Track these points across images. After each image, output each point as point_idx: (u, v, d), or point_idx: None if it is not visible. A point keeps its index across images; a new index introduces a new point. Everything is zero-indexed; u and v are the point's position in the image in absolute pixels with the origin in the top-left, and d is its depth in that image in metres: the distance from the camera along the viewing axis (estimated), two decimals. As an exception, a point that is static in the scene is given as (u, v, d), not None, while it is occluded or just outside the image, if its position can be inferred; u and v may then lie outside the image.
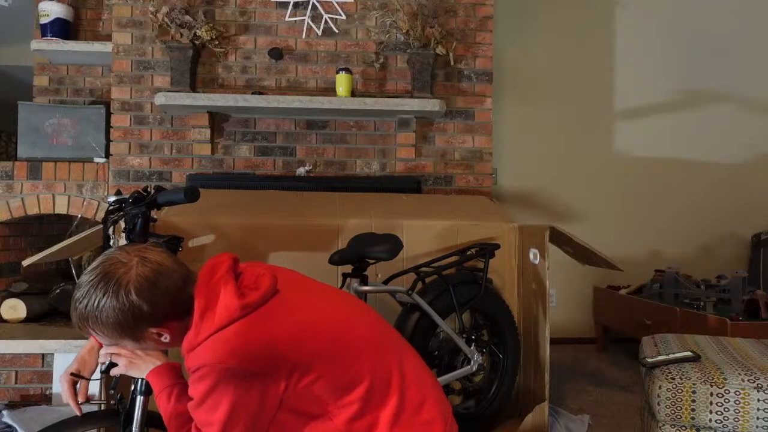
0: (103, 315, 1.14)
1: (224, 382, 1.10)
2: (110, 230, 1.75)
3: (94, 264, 1.18)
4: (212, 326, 1.14)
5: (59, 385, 1.47)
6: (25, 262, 2.37)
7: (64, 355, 2.67)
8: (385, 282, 2.27)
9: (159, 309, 1.16)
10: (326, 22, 3.17)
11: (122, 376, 1.49)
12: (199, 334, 1.15)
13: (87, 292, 1.14)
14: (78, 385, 1.42)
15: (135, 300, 1.13)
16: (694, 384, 1.68)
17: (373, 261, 2.06)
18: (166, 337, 1.21)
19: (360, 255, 2.03)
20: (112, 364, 1.47)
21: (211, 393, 1.11)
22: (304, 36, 3.18)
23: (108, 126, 3.15)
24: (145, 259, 1.17)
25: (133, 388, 1.51)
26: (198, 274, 1.24)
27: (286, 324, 1.17)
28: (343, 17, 3.18)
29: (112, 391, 1.53)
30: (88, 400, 1.44)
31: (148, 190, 1.74)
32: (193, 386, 1.13)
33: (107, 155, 3.15)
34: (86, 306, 1.14)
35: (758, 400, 1.63)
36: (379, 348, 1.25)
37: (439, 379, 2.17)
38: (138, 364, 1.33)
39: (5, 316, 3.00)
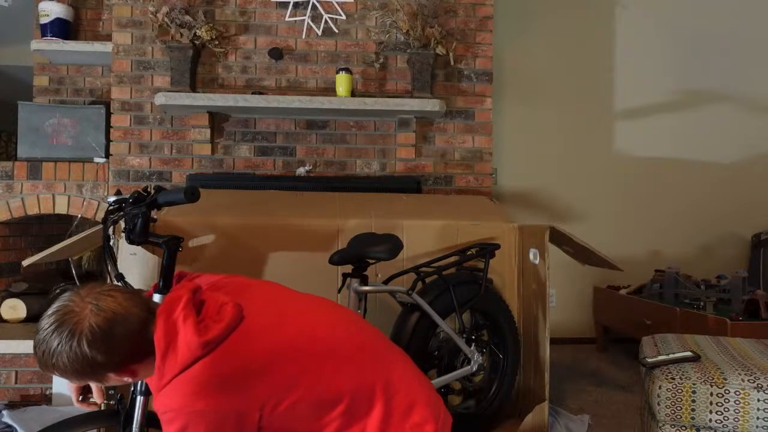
0: (60, 363, 1.12)
1: (194, 424, 1.08)
2: (110, 230, 1.75)
3: (51, 308, 1.16)
4: (174, 368, 1.11)
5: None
6: (25, 262, 2.37)
7: (64, 355, 2.66)
8: (385, 282, 2.27)
9: (115, 356, 1.13)
10: (326, 22, 3.17)
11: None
12: (162, 377, 1.12)
13: (44, 338, 1.13)
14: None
15: (87, 352, 1.11)
16: (694, 384, 1.68)
17: (373, 261, 2.06)
18: (128, 379, 1.19)
19: (360, 255, 2.03)
20: None
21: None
22: (304, 36, 3.18)
23: (108, 126, 3.15)
24: (99, 307, 1.14)
25: (133, 388, 1.51)
26: (156, 312, 1.20)
27: (253, 355, 1.14)
28: (343, 17, 3.18)
29: (112, 391, 1.53)
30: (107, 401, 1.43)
31: (148, 190, 1.74)
32: (164, 427, 1.11)
33: (107, 155, 3.15)
34: (44, 353, 1.13)
35: (758, 400, 1.63)
36: (362, 359, 1.24)
37: (439, 379, 2.17)
38: None
39: (5, 316, 3.00)
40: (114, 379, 1.19)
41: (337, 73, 3.02)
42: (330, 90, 3.16)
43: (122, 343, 1.13)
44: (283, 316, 1.24)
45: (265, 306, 1.25)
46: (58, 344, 1.11)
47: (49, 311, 1.15)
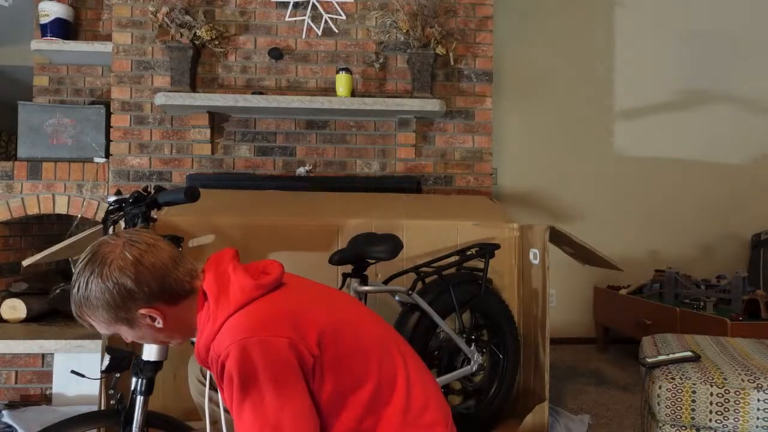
0: (92, 296, 1.13)
1: (252, 350, 1.06)
2: (110, 230, 1.75)
3: (85, 250, 1.18)
4: (228, 309, 1.13)
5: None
6: (25, 262, 2.37)
7: (64, 355, 2.67)
8: (385, 282, 2.27)
9: (145, 286, 1.14)
10: (326, 22, 3.17)
11: (122, 376, 1.49)
12: (216, 321, 1.13)
13: (77, 276, 1.15)
14: None
15: (118, 276, 1.12)
16: (694, 384, 1.68)
17: (373, 261, 2.06)
18: (159, 322, 1.17)
19: (360, 255, 2.03)
20: (113, 365, 1.47)
21: (252, 379, 1.05)
22: (304, 36, 3.18)
23: (108, 126, 3.15)
24: (132, 239, 1.17)
25: (133, 388, 1.51)
26: (203, 266, 1.24)
27: (301, 304, 1.17)
28: (343, 17, 3.18)
29: (112, 391, 1.53)
30: None
31: (148, 190, 1.74)
32: (228, 382, 1.07)
33: (107, 155, 3.15)
34: (78, 291, 1.14)
35: (758, 400, 1.63)
36: (385, 347, 1.24)
37: (439, 379, 2.17)
38: None
39: (5, 316, 3.00)
40: (144, 322, 1.17)
41: (337, 73, 3.02)
42: (330, 90, 3.16)
43: (151, 273, 1.14)
44: (315, 292, 1.27)
45: (300, 284, 1.28)
46: (90, 274, 1.13)
47: (84, 251, 1.17)
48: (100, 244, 1.16)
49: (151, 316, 1.17)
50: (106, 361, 1.50)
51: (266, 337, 1.07)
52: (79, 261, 1.16)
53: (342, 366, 1.15)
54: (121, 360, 1.51)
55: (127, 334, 1.21)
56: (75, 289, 1.15)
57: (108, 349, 1.52)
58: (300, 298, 1.19)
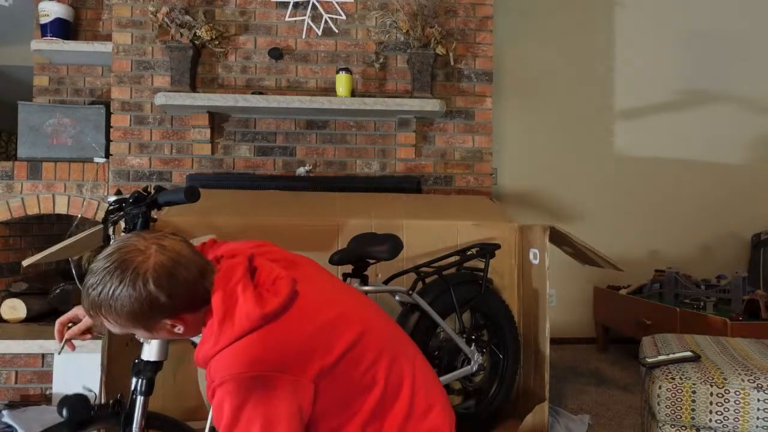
0: (118, 304, 1.09)
1: (248, 389, 1.04)
2: (110, 230, 1.75)
3: (109, 249, 1.12)
4: (231, 335, 1.09)
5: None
6: (25, 262, 2.37)
7: (63, 355, 2.66)
8: (385, 282, 2.27)
9: (176, 300, 1.11)
10: (326, 22, 3.17)
11: (122, 376, 1.49)
12: (217, 343, 1.10)
13: (102, 279, 1.09)
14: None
15: (153, 290, 1.08)
16: (694, 384, 1.68)
17: (373, 261, 2.06)
18: (179, 329, 1.17)
19: (360, 255, 2.03)
20: (73, 416, 1.46)
21: (241, 410, 1.04)
22: (304, 36, 3.18)
23: (108, 126, 3.15)
24: (163, 247, 1.12)
25: (133, 388, 1.51)
26: (214, 276, 1.18)
27: (308, 328, 1.14)
28: (343, 17, 3.18)
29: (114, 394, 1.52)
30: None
31: (148, 190, 1.74)
32: (217, 409, 1.06)
33: (107, 155, 3.15)
34: (100, 293, 1.09)
35: (758, 400, 1.63)
36: (393, 350, 1.23)
37: (440, 379, 2.16)
38: None
39: (5, 316, 3.00)
40: (165, 329, 1.16)
41: (337, 73, 3.02)
42: (330, 90, 3.16)
43: (183, 288, 1.11)
44: (329, 294, 1.24)
45: (313, 284, 1.25)
46: (120, 283, 1.08)
47: (108, 251, 1.12)
48: (129, 250, 1.11)
49: (173, 324, 1.16)
50: (65, 413, 1.50)
51: (262, 373, 1.05)
52: (103, 262, 1.11)
53: (349, 377, 1.14)
54: (81, 410, 1.49)
55: (141, 335, 1.19)
56: (96, 292, 1.10)
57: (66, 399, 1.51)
58: (307, 323, 1.15)
